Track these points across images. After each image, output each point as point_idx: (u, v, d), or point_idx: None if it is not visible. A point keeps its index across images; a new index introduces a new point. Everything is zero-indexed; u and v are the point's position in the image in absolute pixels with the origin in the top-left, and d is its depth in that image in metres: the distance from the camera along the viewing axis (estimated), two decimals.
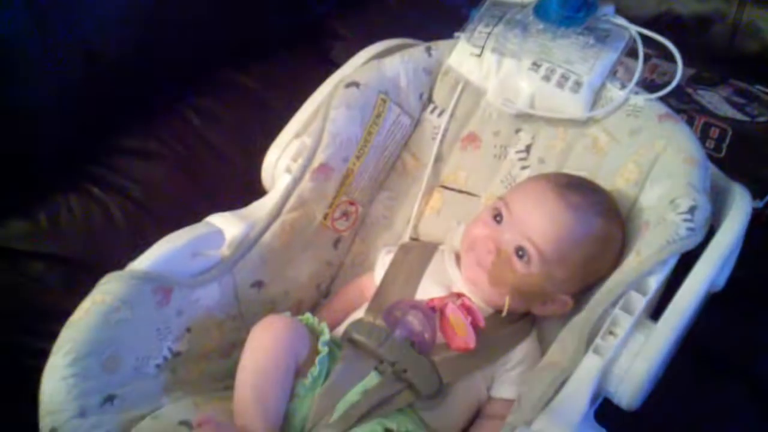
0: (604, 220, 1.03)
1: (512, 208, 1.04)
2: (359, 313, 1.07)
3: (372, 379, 0.97)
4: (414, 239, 1.23)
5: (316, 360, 0.97)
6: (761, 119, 1.47)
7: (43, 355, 0.89)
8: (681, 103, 1.49)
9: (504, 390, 1.04)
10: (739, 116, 1.48)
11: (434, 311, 1.00)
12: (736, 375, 1.22)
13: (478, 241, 1.05)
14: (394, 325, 1.00)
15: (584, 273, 1.03)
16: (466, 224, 1.13)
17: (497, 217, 1.05)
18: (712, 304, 1.00)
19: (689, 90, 1.53)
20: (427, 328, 0.98)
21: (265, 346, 0.98)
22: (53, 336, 0.90)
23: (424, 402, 0.98)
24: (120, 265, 0.97)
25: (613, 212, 1.05)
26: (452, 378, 0.99)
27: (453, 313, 0.98)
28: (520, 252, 1.01)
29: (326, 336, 1.00)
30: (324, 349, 0.98)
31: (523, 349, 1.05)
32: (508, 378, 1.04)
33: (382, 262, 1.15)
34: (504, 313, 1.04)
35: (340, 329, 1.06)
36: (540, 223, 1.02)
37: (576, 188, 1.05)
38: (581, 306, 1.00)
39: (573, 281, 1.03)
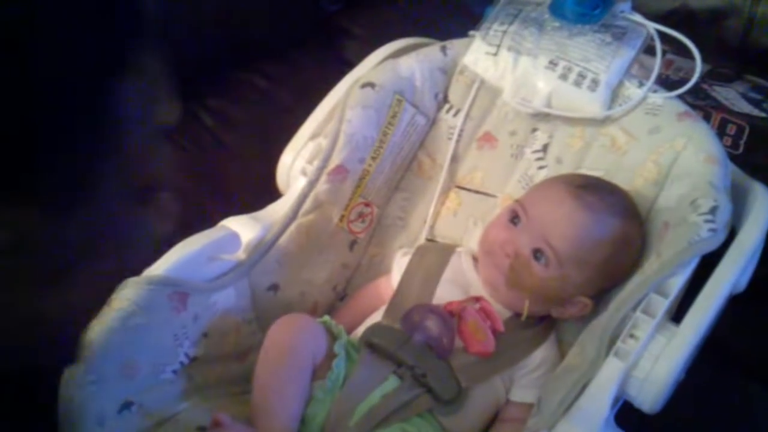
0: (621, 221, 1.02)
1: (529, 211, 1.03)
2: (376, 316, 1.07)
3: (391, 383, 0.96)
4: (430, 240, 1.22)
5: (333, 363, 0.97)
6: None
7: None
8: (697, 99, 1.47)
9: (523, 394, 1.02)
10: (755, 112, 1.46)
11: (453, 315, 0.99)
12: (755, 375, 1.21)
13: (495, 244, 1.04)
14: (413, 329, 0.99)
15: (603, 274, 1.02)
16: (484, 226, 1.12)
17: (514, 220, 1.04)
18: (732, 303, 0.99)
19: (705, 86, 1.51)
20: (446, 332, 0.98)
21: (283, 344, 0.98)
22: None
23: (443, 407, 0.97)
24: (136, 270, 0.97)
25: (631, 213, 1.04)
26: (471, 382, 0.98)
27: (472, 318, 0.98)
28: (538, 254, 1.00)
29: (343, 339, 1.00)
30: (340, 352, 0.98)
31: (543, 352, 1.04)
32: (528, 382, 1.03)
33: (399, 264, 1.14)
34: (523, 317, 1.03)
35: (358, 332, 1.06)
36: (557, 224, 1.01)
37: (592, 189, 1.04)
38: (601, 309, 0.98)
39: (592, 283, 1.02)
